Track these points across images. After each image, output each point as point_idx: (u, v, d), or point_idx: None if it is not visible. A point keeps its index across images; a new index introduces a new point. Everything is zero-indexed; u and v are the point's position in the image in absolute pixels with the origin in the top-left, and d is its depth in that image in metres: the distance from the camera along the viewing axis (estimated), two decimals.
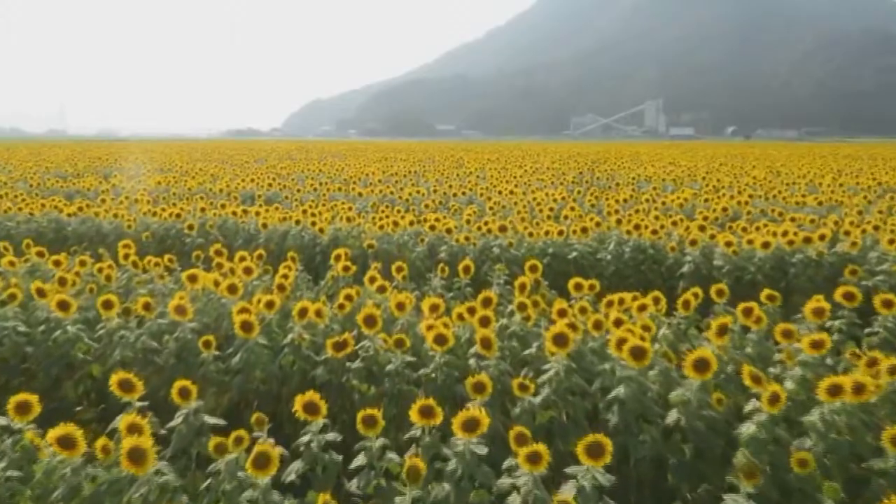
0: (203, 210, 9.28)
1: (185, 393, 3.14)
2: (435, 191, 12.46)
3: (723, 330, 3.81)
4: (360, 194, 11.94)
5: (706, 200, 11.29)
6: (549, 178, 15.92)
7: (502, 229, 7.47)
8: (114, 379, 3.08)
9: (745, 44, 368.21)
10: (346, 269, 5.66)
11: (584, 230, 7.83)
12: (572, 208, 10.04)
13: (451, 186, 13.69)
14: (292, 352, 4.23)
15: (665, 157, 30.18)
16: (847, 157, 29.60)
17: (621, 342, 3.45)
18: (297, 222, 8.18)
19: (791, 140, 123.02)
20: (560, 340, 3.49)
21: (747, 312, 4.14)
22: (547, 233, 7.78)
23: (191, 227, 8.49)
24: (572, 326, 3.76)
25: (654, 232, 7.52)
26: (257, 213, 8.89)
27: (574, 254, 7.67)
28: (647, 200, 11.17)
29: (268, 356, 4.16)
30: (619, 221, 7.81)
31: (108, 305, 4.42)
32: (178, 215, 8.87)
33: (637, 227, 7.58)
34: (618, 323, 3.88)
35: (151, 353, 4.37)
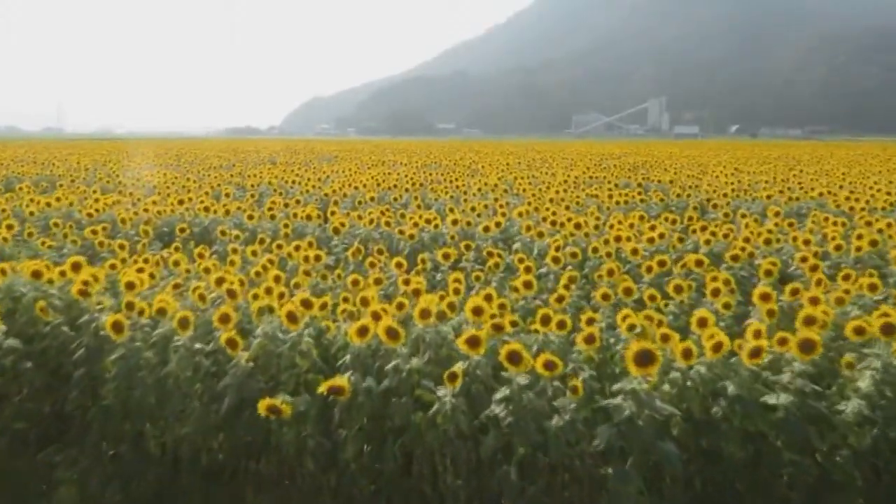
0: (37, 276, 4.93)
1: None
2: (454, 221, 8.16)
3: None
4: (335, 230, 7.58)
5: (891, 237, 6.96)
6: (605, 194, 11.61)
7: (646, 363, 3.08)
8: None
9: (747, 42, 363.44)
10: None
11: (783, 342, 3.59)
12: (699, 263, 5.79)
13: (473, 208, 9.43)
14: None
15: (708, 159, 25.83)
16: None
17: None
18: (184, 324, 3.81)
19: (797, 139, 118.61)
20: None
21: None
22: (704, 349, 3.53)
23: None
24: None
25: None
26: (129, 287, 4.55)
27: (780, 415, 3.42)
28: (793, 240, 6.85)
29: None
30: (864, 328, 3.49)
31: None
32: None
33: None
34: None
35: None
